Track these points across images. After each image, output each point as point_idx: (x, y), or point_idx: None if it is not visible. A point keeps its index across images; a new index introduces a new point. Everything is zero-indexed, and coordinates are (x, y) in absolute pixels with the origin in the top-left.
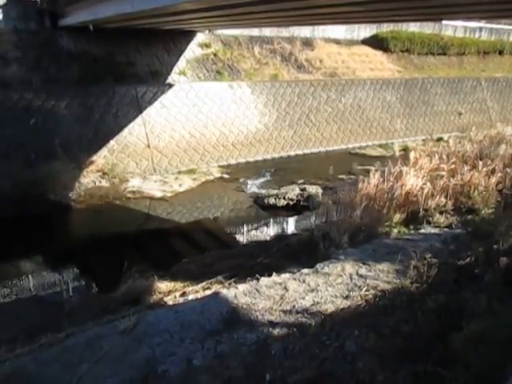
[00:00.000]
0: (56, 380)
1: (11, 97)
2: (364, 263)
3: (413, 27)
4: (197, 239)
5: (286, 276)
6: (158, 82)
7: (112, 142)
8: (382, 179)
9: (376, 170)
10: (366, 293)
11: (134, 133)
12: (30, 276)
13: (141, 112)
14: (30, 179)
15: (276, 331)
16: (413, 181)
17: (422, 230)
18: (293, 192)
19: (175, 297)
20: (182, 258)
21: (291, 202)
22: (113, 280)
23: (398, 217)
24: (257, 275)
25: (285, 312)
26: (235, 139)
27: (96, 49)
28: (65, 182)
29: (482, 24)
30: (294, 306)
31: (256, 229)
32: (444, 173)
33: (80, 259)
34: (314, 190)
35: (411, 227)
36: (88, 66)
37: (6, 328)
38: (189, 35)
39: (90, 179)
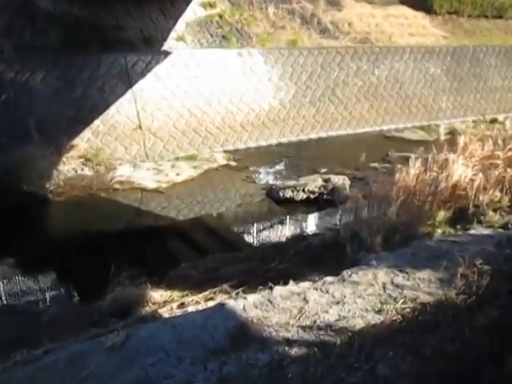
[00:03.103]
0: None
1: None
2: (400, 270)
3: None
4: (198, 239)
5: (305, 285)
6: (151, 49)
7: (97, 123)
8: (423, 169)
9: (416, 158)
10: (403, 306)
11: (122, 111)
12: None
13: (131, 86)
14: None
15: (293, 351)
16: (461, 171)
17: (472, 231)
18: (314, 183)
19: (172, 308)
20: (180, 261)
21: (312, 196)
22: (98, 287)
23: (442, 214)
24: (270, 283)
25: (304, 328)
26: (244, 119)
27: (79, 10)
28: (41, 170)
29: None
30: (315, 321)
31: (269, 227)
32: (499, 162)
33: (59, 263)
34: (340, 181)
35: (458, 227)
36: (69, 30)
37: None
38: None
39: (70, 167)
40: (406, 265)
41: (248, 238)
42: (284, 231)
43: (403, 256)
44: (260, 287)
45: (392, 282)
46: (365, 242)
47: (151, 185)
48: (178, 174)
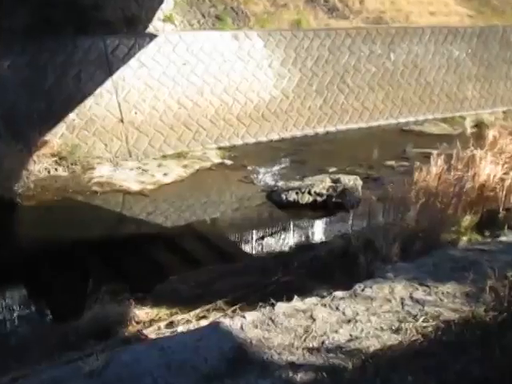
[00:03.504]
0: None
1: None
2: (421, 283)
3: None
4: (188, 249)
5: (312, 301)
6: (134, 31)
7: (72, 116)
8: (446, 167)
9: (438, 155)
10: (424, 324)
11: (101, 102)
12: None
13: (111, 73)
14: None
15: (298, 377)
16: (490, 169)
17: (503, 238)
18: (322, 184)
19: (159, 328)
20: (168, 274)
21: (319, 199)
22: (74, 305)
23: (468, 219)
24: (271, 300)
25: (310, 350)
26: (242, 111)
27: None
28: (8, 170)
29: None
30: (323, 343)
31: (270, 235)
32: None
33: (29, 277)
34: (351, 181)
35: (487, 234)
36: (41, 10)
37: None
38: None
39: (42, 166)
40: (427, 277)
41: (246, 248)
42: (287, 239)
43: (424, 267)
44: (260, 304)
45: (411, 297)
46: (380, 251)
47: (135, 187)
48: (165, 175)
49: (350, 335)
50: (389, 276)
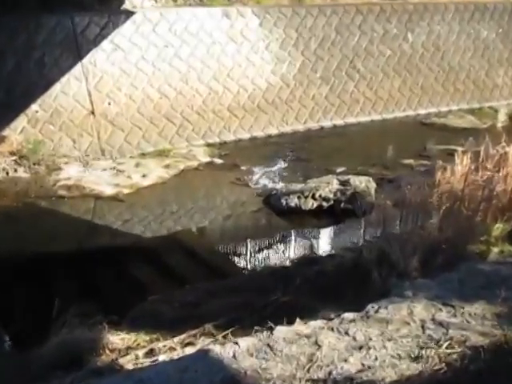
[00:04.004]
0: None
1: None
2: (445, 303)
3: None
4: (172, 264)
5: (317, 324)
6: (107, 8)
7: (34, 107)
8: (473, 167)
9: (464, 152)
10: (449, 351)
11: (69, 91)
12: None
13: (80, 57)
14: None
15: None
16: None
17: None
18: (328, 187)
19: (137, 357)
20: (148, 293)
21: (325, 204)
22: (38, 330)
23: (499, 227)
24: (270, 323)
25: (316, 382)
26: (234, 101)
27: None
28: None
29: None
30: (330, 374)
31: (268, 247)
32: None
33: None
34: (362, 183)
35: None
36: None
37: None
38: None
39: None
40: (451, 296)
41: (239, 262)
42: (288, 252)
43: (448, 284)
44: (256, 328)
45: (433, 320)
46: (396, 265)
47: (108, 190)
48: (144, 176)
49: (362, 364)
50: (407, 294)
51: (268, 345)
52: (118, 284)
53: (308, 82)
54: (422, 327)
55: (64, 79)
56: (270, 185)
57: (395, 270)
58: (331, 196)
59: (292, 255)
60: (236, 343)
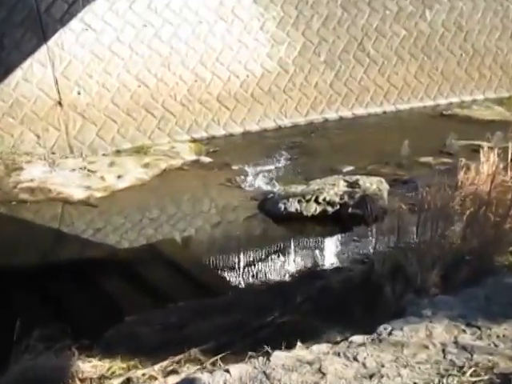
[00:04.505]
0: None
1: None
2: (469, 324)
3: None
4: (152, 279)
5: (321, 348)
6: None
7: None
8: (502, 165)
9: (491, 148)
10: (474, 379)
11: (32, 79)
12: None
13: (45, 39)
14: None
15: None
16: None
17: None
18: (333, 190)
19: None
20: (125, 313)
21: (330, 209)
22: None
23: None
24: (266, 347)
25: None
26: (224, 90)
27: None
28: None
29: None
30: None
31: (264, 259)
32: None
33: None
34: (373, 185)
35: None
36: None
37: None
38: None
39: None
40: (477, 315)
41: (231, 277)
42: (287, 265)
43: (473, 301)
44: (250, 353)
45: (456, 343)
46: (413, 279)
47: (78, 194)
48: (119, 177)
49: None
50: (425, 314)
51: (264, 373)
52: (90, 303)
53: (310, 68)
54: (443, 351)
55: (26, 64)
56: (266, 187)
57: (412, 286)
58: (337, 200)
59: (292, 269)
60: (227, 371)
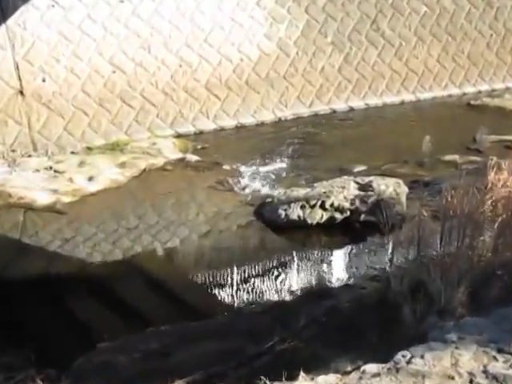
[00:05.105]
0: None
1: None
2: (500, 350)
3: None
4: (129, 299)
5: (328, 380)
6: None
7: None
8: None
9: None
10: None
11: None
12: None
13: (4, 18)
14: None
15: None
16: None
17: None
18: (343, 193)
19: None
20: (98, 339)
21: (339, 216)
22: None
23: None
24: (264, 379)
25: None
26: (214, 76)
27: None
28: None
29: None
30: None
31: (261, 275)
32: None
33: None
34: (389, 187)
35: None
36: None
37: None
38: None
39: None
40: (510, 340)
41: (222, 296)
42: (289, 282)
43: (505, 323)
44: None
45: (485, 372)
46: (437, 298)
47: (43, 199)
48: (91, 179)
49: None
50: (450, 338)
51: None
52: (57, 326)
53: (315, 50)
54: (471, 382)
55: None
56: (264, 190)
57: (435, 306)
58: (347, 205)
59: (294, 286)
60: None
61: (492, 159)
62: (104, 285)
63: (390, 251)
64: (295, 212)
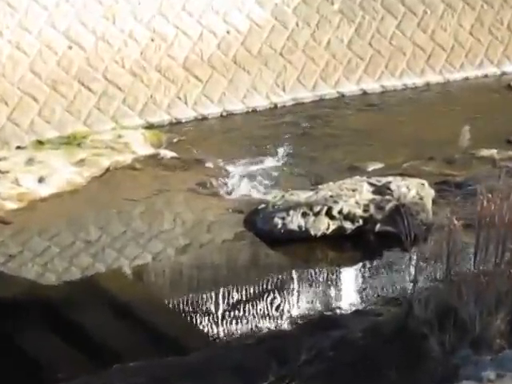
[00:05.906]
0: None
1: None
2: None
3: None
4: (90, 329)
5: None
6: None
7: None
8: None
9: None
10: None
11: None
12: None
13: None
14: None
15: None
16: None
17: None
18: (354, 197)
19: None
20: (51, 378)
21: (350, 226)
22: None
23: None
24: None
25: None
26: (193, 52)
27: None
28: None
29: None
30: None
31: (253, 299)
32: None
33: None
34: (411, 190)
35: None
36: None
37: None
38: None
39: None
40: None
41: (205, 325)
42: (288, 308)
43: None
44: None
45: None
46: (470, 327)
47: None
48: (42, 180)
49: None
50: (487, 377)
51: None
52: (1, 362)
53: (319, 20)
54: None
55: None
56: (256, 194)
57: (467, 336)
58: (359, 212)
59: (294, 313)
60: None
61: None
62: (58, 311)
63: (412, 269)
64: (295, 221)
